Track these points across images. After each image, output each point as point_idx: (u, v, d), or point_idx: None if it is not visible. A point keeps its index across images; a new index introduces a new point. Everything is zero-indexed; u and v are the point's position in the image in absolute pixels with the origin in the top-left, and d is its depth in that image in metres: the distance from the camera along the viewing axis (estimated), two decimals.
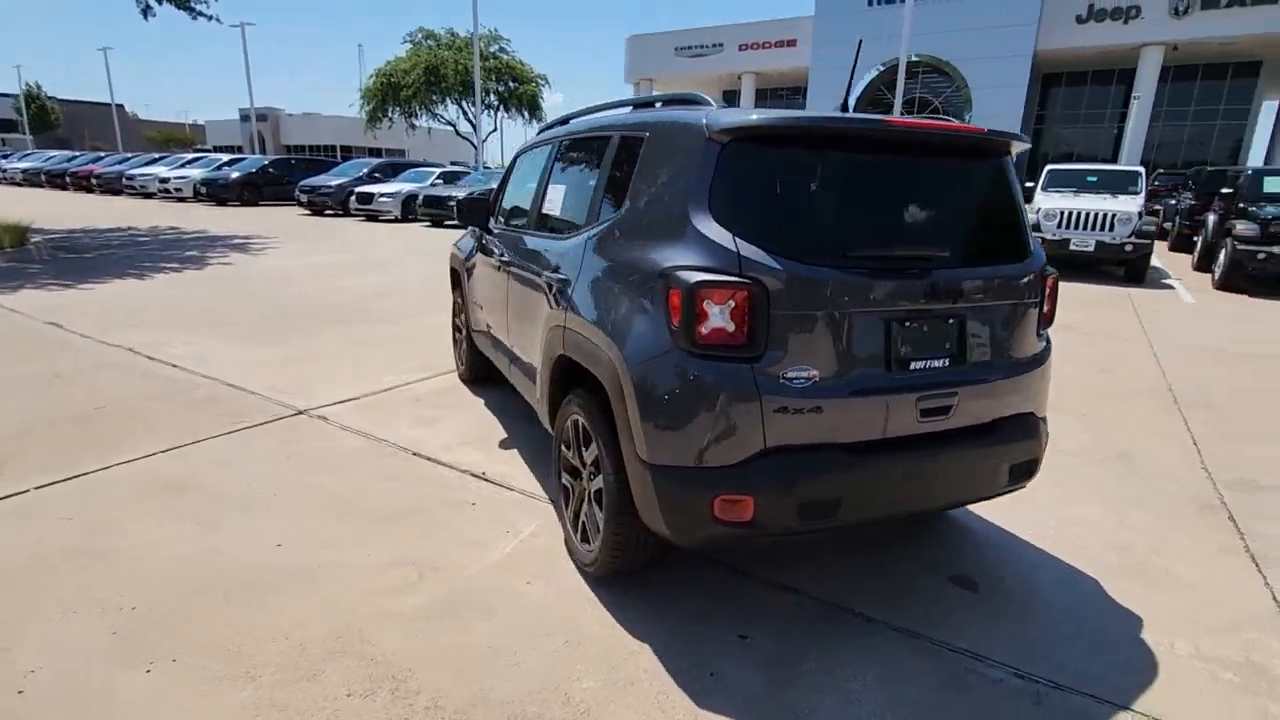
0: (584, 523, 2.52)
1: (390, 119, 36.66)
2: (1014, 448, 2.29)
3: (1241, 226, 9.42)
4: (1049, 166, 12.24)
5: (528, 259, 3.11)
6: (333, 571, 2.53)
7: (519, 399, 4.30)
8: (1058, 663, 2.16)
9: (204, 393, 4.38)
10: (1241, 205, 10.15)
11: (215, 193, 21.58)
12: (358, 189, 18.15)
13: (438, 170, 19.67)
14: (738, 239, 1.92)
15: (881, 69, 31.08)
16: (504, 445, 3.75)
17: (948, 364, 2.15)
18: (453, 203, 4.76)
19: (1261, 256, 9.11)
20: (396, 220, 17.44)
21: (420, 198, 16.84)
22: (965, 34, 28.62)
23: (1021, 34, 28.45)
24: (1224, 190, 11.38)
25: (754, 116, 2.00)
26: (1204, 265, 10.96)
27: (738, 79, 36.24)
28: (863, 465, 2.02)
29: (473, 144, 33.94)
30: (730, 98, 41.19)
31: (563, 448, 2.66)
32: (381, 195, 17.66)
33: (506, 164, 4.40)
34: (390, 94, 35.39)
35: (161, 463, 3.38)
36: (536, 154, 3.56)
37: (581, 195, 2.81)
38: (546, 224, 3.10)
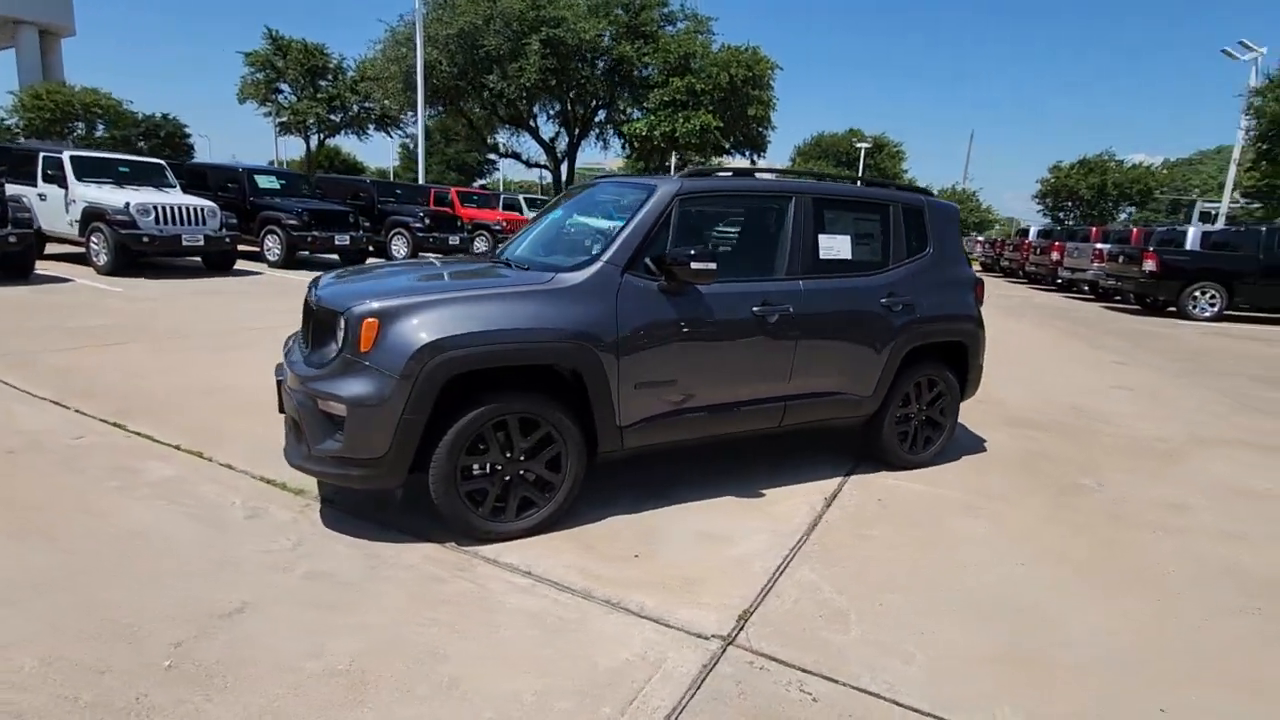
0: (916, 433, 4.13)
1: None
2: None
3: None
4: None
5: (833, 298, 3.62)
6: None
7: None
8: None
9: None
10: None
11: None
12: None
13: None
14: None
15: None
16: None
17: None
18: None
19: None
20: None
21: None
22: None
23: None
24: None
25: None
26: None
27: None
28: None
29: None
30: None
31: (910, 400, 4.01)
32: None
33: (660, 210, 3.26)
34: None
35: None
36: (757, 210, 3.84)
37: (871, 242, 3.86)
38: (830, 268, 3.63)
